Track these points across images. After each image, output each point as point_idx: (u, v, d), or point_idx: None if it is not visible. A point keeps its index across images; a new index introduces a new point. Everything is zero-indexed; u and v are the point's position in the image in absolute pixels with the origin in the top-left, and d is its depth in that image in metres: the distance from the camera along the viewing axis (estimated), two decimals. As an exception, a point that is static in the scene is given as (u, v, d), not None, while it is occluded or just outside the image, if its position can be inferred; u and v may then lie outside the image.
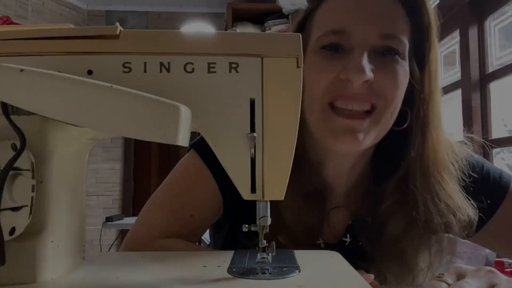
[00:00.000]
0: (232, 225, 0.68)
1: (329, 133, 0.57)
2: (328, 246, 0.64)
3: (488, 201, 0.62)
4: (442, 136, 0.61)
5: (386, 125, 0.59)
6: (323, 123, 0.57)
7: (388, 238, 0.62)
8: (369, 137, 0.57)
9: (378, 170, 0.66)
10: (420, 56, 0.60)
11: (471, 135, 0.68)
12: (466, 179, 0.62)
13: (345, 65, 0.55)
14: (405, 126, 0.60)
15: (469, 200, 0.60)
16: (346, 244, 0.65)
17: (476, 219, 0.60)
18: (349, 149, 0.58)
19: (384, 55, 0.56)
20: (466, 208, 0.59)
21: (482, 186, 0.63)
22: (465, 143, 0.67)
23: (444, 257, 0.62)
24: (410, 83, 0.59)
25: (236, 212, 0.64)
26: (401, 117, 0.60)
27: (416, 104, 0.60)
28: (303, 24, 0.63)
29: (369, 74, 0.54)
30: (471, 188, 0.61)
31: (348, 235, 0.65)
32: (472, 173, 0.63)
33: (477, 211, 0.60)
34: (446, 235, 0.62)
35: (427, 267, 0.62)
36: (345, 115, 0.56)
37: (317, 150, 0.63)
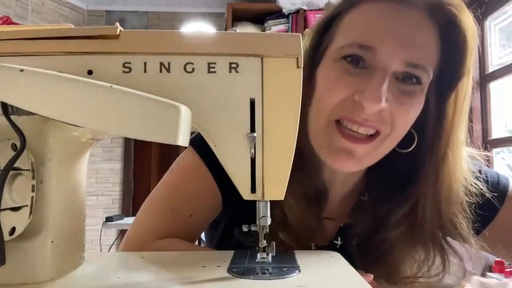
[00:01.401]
0: (229, 221, 0.68)
1: (328, 150, 0.56)
2: (319, 248, 0.63)
3: (487, 206, 0.61)
4: (460, 172, 0.58)
5: (386, 150, 0.57)
6: (324, 138, 0.56)
7: (384, 264, 0.61)
8: (367, 160, 0.56)
9: (375, 187, 0.65)
10: (447, 87, 0.57)
11: (475, 151, 0.66)
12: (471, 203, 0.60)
13: (362, 86, 0.52)
14: (410, 149, 0.58)
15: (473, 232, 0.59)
16: (337, 246, 0.65)
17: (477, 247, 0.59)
18: (345, 169, 0.57)
19: (404, 82, 0.54)
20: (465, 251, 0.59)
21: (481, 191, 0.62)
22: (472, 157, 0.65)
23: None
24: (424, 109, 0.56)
25: (234, 209, 0.64)
26: (407, 139, 0.58)
27: (429, 134, 0.57)
28: (329, 24, 0.59)
29: (384, 104, 0.51)
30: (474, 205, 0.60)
31: (339, 238, 0.65)
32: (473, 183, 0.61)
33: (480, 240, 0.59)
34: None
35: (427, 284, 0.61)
36: (349, 136, 0.54)
37: (315, 155, 0.62)
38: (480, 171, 0.65)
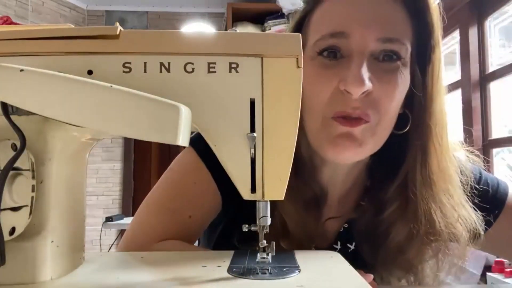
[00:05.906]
0: (228, 223, 0.67)
1: (328, 140, 0.55)
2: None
3: (487, 211, 0.61)
4: (446, 145, 0.58)
5: (382, 136, 0.57)
6: (324, 131, 0.55)
7: (391, 246, 0.61)
8: (367, 145, 0.55)
9: (375, 176, 0.65)
10: (423, 60, 0.57)
11: (471, 149, 0.67)
12: (470, 190, 0.61)
13: (344, 75, 0.52)
14: (405, 130, 0.58)
15: (476, 211, 0.59)
16: (337, 251, 0.64)
17: (483, 231, 0.58)
18: (347, 157, 0.56)
19: (384, 61, 0.54)
20: (472, 220, 0.58)
21: (482, 195, 0.62)
22: (466, 150, 0.65)
23: (454, 263, 0.61)
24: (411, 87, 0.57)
25: (233, 210, 0.63)
26: (404, 120, 0.59)
27: (416, 109, 0.58)
28: (299, 28, 0.60)
29: (368, 84, 0.51)
30: (473, 198, 0.61)
31: (338, 242, 0.65)
32: (473, 184, 0.61)
33: (483, 223, 0.58)
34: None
35: (434, 273, 0.61)
36: (347, 121, 0.53)
37: (313, 156, 0.62)
38: (480, 176, 0.65)
